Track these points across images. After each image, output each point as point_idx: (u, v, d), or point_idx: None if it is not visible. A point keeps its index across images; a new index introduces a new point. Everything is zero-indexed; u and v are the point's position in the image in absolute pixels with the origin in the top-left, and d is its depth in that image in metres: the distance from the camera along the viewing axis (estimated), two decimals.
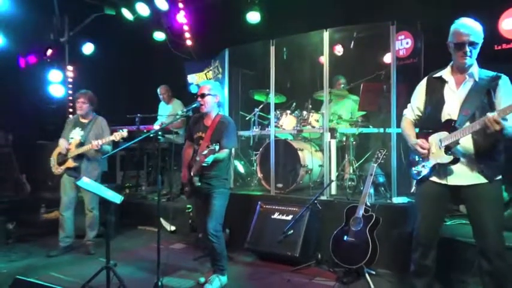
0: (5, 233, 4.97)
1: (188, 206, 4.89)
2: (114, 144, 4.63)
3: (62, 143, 4.41)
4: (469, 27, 2.46)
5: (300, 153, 4.69)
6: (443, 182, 2.56)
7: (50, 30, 6.87)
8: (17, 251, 4.63)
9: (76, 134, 4.44)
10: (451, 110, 2.53)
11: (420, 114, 2.76)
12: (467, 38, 2.44)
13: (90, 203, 4.45)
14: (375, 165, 3.75)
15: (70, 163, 4.34)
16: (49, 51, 6.81)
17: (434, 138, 2.55)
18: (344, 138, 4.93)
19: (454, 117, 2.49)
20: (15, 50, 6.42)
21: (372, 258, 3.46)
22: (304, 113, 4.96)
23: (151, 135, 3.48)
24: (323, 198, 4.31)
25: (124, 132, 4.15)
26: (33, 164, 6.26)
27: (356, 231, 3.57)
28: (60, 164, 4.41)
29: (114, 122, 6.32)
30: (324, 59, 4.53)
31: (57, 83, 6.80)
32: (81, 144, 4.33)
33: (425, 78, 2.76)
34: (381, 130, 4.44)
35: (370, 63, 5.30)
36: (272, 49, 4.85)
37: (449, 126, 2.48)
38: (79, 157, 4.35)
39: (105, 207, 3.41)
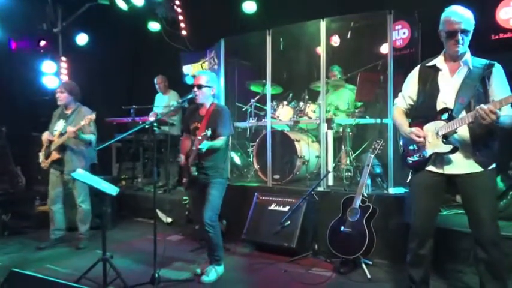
0: (0, 226, 4.94)
1: (185, 197, 4.88)
2: (110, 136, 4.59)
3: (45, 134, 4.34)
4: (460, 14, 2.42)
5: (296, 144, 4.68)
6: (439, 171, 2.55)
7: (43, 20, 6.75)
8: (12, 243, 4.61)
9: (60, 126, 4.35)
10: (446, 98, 2.51)
11: (412, 103, 2.74)
12: (459, 26, 2.41)
13: (79, 196, 4.35)
14: (372, 155, 3.74)
15: (54, 155, 4.25)
16: (42, 42, 6.71)
17: (431, 127, 2.52)
18: (341, 129, 4.92)
19: (450, 105, 2.47)
20: (7, 40, 6.31)
21: (368, 249, 3.47)
22: (301, 103, 4.94)
23: (147, 126, 3.44)
24: (320, 189, 4.31)
25: (91, 116, 4.02)
26: (28, 157, 6.20)
27: (353, 221, 3.57)
28: (46, 157, 4.33)
29: (110, 113, 6.29)
30: (321, 49, 4.49)
31: (50, 74, 6.71)
32: (62, 134, 4.23)
33: (418, 67, 2.73)
34: (378, 121, 4.43)
35: (367, 53, 5.28)
36: (268, 39, 4.80)
37: (446, 114, 2.45)
38: (62, 149, 4.25)
39: (101, 199, 3.38)
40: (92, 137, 4.32)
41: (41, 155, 4.41)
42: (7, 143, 6.17)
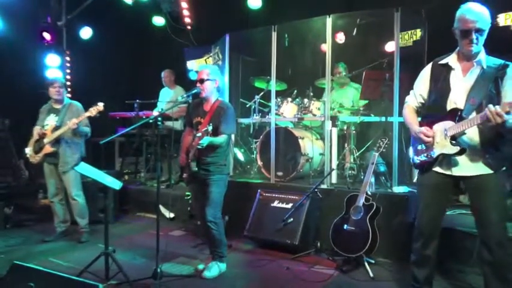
0: (2, 218, 4.95)
1: (187, 193, 4.87)
2: (113, 131, 4.59)
3: (36, 129, 4.34)
4: (476, 13, 2.35)
5: (300, 141, 4.66)
6: (447, 172, 2.51)
7: (47, 13, 6.74)
8: (15, 236, 4.62)
9: (51, 120, 4.35)
10: (456, 98, 2.46)
11: (423, 101, 2.69)
12: (474, 24, 2.34)
13: (72, 190, 4.34)
14: (377, 154, 3.71)
15: (48, 149, 4.24)
16: (46, 35, 6.70)
17: (439, 127, 2.48)
18: (345, 127, 4.90)
19: (460, 105, 2.42)
20: (11, 33, 6.30)
21: (371, 247, 3.45)
22: (306, 100, 4.91)
23: (151, 121, 3.43)
24: (323, 186, 4.29)
25: (100, 106, 4.08)
26: None
27: (356, 220, 3.56)
28: (37, 152, 4.30)
29: (113, 108, 6.28)
30: (327, 46, 4.46)
31: (54, 68, 6.71)
32: (56, 128, 4.24)
33: (430, 64, 2.67)
34: (383, 119, 4.40)
35: (372, 51, 5.24)
36: (274, 35, 4.77)
37: (455, 115, 2.41)
38: (56, 142, 4.25)
39: (104, 193, 3.37)
40: (88, 130, 4.36)
41: (29, 150, 4.36)
42: (10, 136, 6.18)
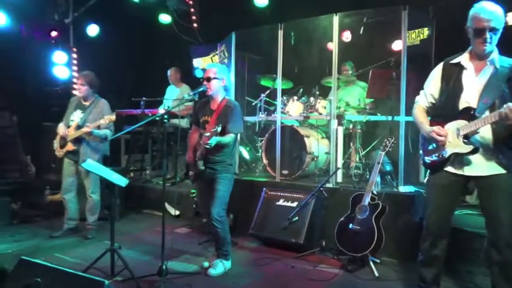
0: (10, 214, 5.00)
1: (192, 190, 4.88)
2: (119, 128, 4.60)
3: (60, 128, 4.39)
4: (490, 11, 2.33)
5: (306, 140, 4.65)
6: (459, 172, 2.49)
7: (54, 10, 6.77)
8: (22, 231, 4.65)
9: (76, 117, 4.38)
10: (469, 97, 2.44)
11: (434, 101, 2.66)
12: (488, 23, 2.32)
13: (91, 187, 4.39)
14: (383, 153, 3.69)
15: (69, 146, 4.31)
16: (53, 32, 6.73)
17: (452, 126, 2.46)
18: (351, 126, 4.88)
19: (473, 105, 2.40)
20: (18, 30, 6.34)
21: (377, 247, 3.44)
22: (312, 99, 4.90)
23: (157, 118, 3.43)
24: (329, 185, 4.28)
25: (112, 116, 4.13)
26: (38, 146, 6.26)
27: (362, 219, 3.54)
28: (61, 147, 4.39)
29: (119, 105, 6.30)
30: (333, 44, 4.44)
31: (61, 65, 6.75)
32: (79, 127, 4.28)
33: (441, 64, 2.64)
34: (389, 118, 4.38)
35: (379, 49, 5.21)
36: (280, 33, 4.76)
37: (468, 114, 2.39)
38: (78, 140, 4.30)
39: (110, 190, 3.39)
40: (108, 132, 4.35)
41: (56, 143, 4.46)
42: (18, 133, 6.22)
